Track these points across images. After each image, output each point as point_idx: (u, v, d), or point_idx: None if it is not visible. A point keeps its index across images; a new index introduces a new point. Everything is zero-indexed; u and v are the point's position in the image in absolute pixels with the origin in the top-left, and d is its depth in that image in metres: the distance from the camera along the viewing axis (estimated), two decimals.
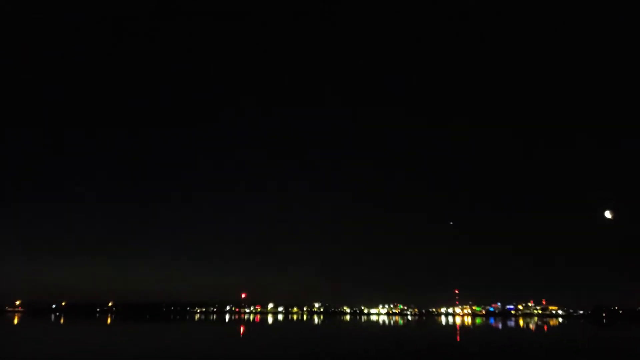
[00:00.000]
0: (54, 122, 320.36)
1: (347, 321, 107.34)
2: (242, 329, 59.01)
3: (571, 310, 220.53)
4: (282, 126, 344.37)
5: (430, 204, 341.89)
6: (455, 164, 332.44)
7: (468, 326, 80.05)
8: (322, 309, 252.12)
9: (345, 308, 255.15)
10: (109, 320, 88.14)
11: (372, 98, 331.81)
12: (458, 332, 56.56)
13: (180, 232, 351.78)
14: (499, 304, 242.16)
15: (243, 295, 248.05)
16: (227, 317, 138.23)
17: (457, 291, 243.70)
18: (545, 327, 77.86)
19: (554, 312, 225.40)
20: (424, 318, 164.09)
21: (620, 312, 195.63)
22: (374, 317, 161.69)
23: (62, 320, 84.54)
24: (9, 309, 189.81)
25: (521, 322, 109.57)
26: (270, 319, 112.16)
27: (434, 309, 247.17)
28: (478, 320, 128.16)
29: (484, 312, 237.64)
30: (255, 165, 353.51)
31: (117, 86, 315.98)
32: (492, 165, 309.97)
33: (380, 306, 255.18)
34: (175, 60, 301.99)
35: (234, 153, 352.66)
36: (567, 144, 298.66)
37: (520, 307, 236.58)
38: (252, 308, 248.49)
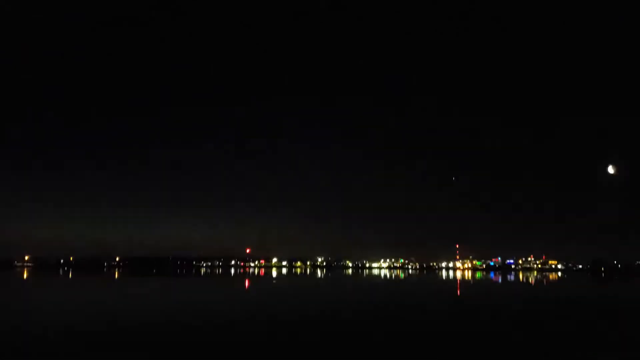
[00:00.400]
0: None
1: (348, 275, 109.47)
2: (247, 283, 60.30)
3: (570, 265, 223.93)
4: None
5: (432, 161, 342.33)
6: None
7: (468, 279, 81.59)
8: (324, 263, 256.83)
9: (347, 262, 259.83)
10: (116, 275, 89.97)
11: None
12: (457, 284, 57.84)
13: (186, 189, 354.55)
14: (499, 258, 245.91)
15: (247, 251, 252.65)
16: (233, 271, 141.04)
17: (457, 246, 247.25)
18: (545, 281, 79.33)
19: (553, 266, 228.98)
20: (425, 272, 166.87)
21: (619, 266, 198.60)
22: (375, 271, 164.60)
23: (70, 275, 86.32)
24: (18, 264, 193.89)
25: (521, 276, 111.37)
26: (274, 273, 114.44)
27: (434, 263, 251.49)
28: (478, 274, 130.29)
29: (484, 266, 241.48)
30: (256, 124, 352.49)
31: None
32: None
33: (382, 260, 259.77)
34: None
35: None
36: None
37: (520, 261, 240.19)
38: (256, 262, 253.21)
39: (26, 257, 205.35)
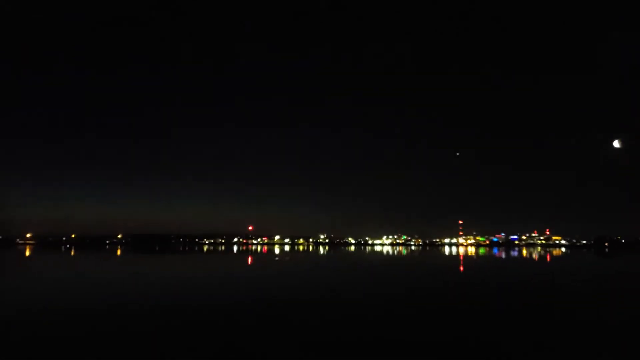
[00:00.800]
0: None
1: (351, 251, 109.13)
2: (249, 259, 59.63)
3: (574, 241, 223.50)
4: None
5: (433, 133, 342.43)
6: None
7: (471, 255, 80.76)
8: (327, 240, 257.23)
9: (350, 239, 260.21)
10: (118, 252, 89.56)
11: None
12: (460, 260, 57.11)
13: (188, 168, 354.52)
14: (503, 234, 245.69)
15: (250, 228, 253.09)
16: (235, 248, 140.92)
17: (461, 222, 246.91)
18: (548, 257, 78.32)
19: (557, 242, 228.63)
20: (427, 248, 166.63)
21: (623, 242, 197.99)
22: (377, 248, 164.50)
23: (72, 252, 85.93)
24: (20, 242, 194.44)
25: (524, 252, 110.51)
26: (277, 250, 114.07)
27: (437, 240, 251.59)
28: (482, 250, 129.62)
29: (487, 242, 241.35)
30: (261, 107, 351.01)
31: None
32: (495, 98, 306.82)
33: (385, 237, 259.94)
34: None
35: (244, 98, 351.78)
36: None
37: (523, 237, 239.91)
38: (258, 240, 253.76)
39: (28, 235, 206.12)
